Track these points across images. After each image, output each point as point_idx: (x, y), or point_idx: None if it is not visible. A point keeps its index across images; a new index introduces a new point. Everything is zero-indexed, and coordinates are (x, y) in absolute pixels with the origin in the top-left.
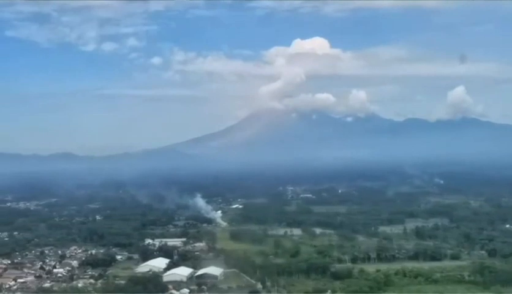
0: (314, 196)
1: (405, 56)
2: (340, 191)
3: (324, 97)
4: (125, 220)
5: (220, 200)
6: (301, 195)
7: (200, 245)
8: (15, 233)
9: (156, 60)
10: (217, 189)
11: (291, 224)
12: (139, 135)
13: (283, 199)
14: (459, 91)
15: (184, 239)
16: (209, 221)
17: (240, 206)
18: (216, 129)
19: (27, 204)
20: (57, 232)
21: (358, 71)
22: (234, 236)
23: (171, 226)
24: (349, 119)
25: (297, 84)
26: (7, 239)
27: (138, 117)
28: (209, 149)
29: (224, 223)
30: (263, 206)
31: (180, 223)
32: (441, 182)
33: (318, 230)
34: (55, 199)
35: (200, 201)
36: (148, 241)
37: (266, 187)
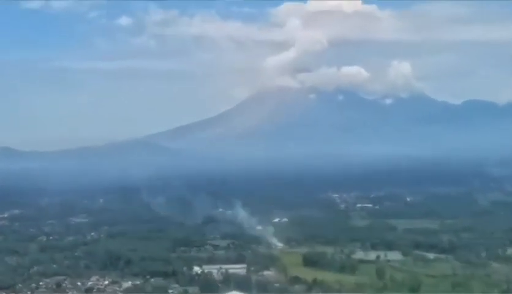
0: (377, 206)
1: (465, 16)
2: (408, 199)
3: (354, 72)
4: (143, 239)
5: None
6: (357, 205)
7: (269, 273)
8: None
9: (124, 20)
10: (234, 196)
11: (377, 245)
12: (103, 123)
13: (335, 210)
14: None
15: (243, 266)
16: (257, 240)
17: (285, 220)
18: (207, 115)
19: None
20: (56, 256)
21: (400, 36)
22: (309, 262)
23: (209, 247)
24: (388, 100)
25: (316, 54)
26: None
27: (100, 99)
28: (199, 141)
29: (280, 244)
30: (316, 219)
31: (221, 243)
32: None
33: (430, 255)
34: (18, 211)
35: (242, 213)
36: (196, 268)
37: (301, 194)
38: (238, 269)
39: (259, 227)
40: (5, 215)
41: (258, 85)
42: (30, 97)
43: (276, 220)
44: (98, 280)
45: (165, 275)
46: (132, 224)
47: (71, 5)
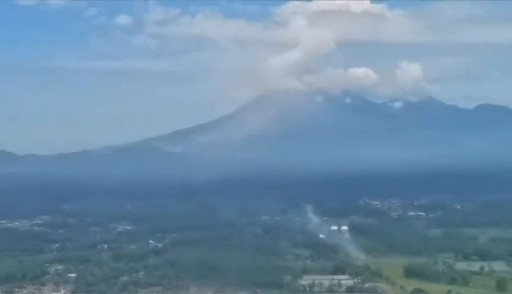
0: (431, 215)
1: (478, 16)
2: (458, 207)
3: (362, 73)
4: (215, 247)
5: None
6: (409, 213)
7: (380, 286)
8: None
9: (123, 19)
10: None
11: (469, 256)
12: (101, 125)
13: (389, 218)
14: None
15: (346, 276)
16: (335, 249)
17: (344, 228)
18: (208, 118)
19: (16, 224)
20: (134, 265)
21: (410, 36)
22: (412, 273)
23: (290, 256)
24: (397, 104)
25: (323, 55)
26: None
27: (97, 100)
28: (200, 145)
29: (361, 253)
30: (376, 227)
31: (300, 252)
32: None
33: None
34: (47, 217)
35: (314, 219)
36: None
37: (336, 200)
38: (343, 280)
39: (321, 235)
40: (39, 222)
41: (261, 87)
42: (24, 97)
43: (334, 228)
44: (198, 291)
45: (270, 285)
46: (187, 231)
47: (68, 2)
